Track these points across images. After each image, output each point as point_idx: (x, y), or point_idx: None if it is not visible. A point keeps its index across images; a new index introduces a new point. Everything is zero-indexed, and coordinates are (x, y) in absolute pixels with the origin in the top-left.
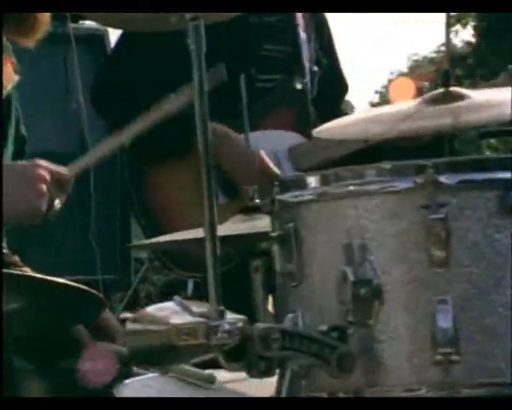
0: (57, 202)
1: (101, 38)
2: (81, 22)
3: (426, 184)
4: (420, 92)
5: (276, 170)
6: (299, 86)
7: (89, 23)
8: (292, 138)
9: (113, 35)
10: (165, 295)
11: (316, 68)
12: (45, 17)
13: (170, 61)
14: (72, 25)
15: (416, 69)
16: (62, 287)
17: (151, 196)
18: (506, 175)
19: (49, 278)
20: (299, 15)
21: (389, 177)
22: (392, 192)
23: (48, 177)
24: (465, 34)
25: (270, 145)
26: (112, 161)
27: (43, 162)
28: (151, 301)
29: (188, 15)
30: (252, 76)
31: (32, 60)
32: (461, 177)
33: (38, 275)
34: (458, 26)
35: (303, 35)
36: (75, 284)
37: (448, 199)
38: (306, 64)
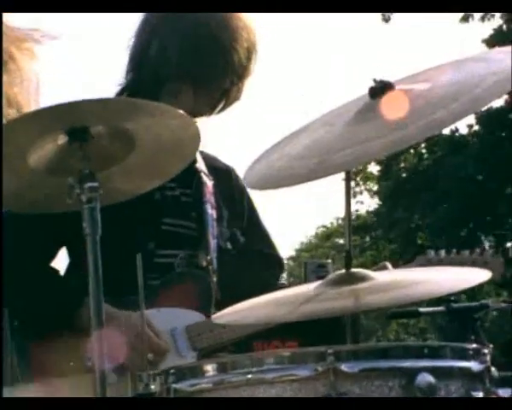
0: None
1: None
2: None
3: (326, 373)
4: None
5: (160, 342)
6: (203, 263)
7: None
8: (191, 317)
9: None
10: None
11: (229, 246)
12: None
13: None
14: None
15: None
16: None
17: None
18: (409, 364)
19: None
20: (209, 192)
21: (289, 364)
22: (292, 380)
23: None
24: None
25: (167, 323)
26: None
27: None
28: None
29: (83, 197)
30: (150, 251)
31: None
32: (363, 365)
33: None
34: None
35: (211, 212)
36: None
37: (349, 388)
38: (212, 241)
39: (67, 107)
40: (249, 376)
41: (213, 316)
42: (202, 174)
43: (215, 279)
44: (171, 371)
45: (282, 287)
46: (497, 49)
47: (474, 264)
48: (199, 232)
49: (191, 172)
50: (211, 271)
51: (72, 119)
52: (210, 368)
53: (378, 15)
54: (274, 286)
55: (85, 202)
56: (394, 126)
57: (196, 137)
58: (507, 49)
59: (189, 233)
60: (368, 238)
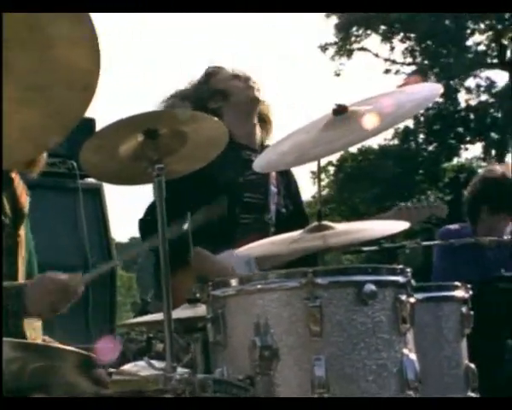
0: (61, 306)
1: (99, 190)
2: (86, 179)
3: (307, 284)
4: None
5: (235, 271)
6: (266, 220)
7: (90, 180)
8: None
9: (106, 187)
10: (137, 357)
11: (284, 210)
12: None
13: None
14: (80, 181)
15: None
16: (72, 352)
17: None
18: (359, 278)
19: (61, 346)
20: (273, 176)
21: (284, 278)
22: (286, 289)
23: (53, 287)
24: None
25: (243, 257)
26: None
27: (51, 276)
28: (128, 360)
29: (154, 174)
30: (236, 214)
31: (52, 206)
32: (330, 279)
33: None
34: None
35: (273, 189)
36: (81, 351)
37: (322, 293)
38: (272, 207)
39: (145, 116)
40: (259, 286)
41: (238, 250)
42: None
43: (273, 229)
44: (210, 283)
45: None
46: (412, 86)
47: (430, 208)
48: (264, 202)
49: None
50: (270, 225)
51: (147, 124)
52: (234, 281)
53: (332, 70)
54: None
55: (155, 177)
56: (347, 133)
57: (225, 135)
58: (418, 86)
59: (259, 202)
60: (328, 209)
